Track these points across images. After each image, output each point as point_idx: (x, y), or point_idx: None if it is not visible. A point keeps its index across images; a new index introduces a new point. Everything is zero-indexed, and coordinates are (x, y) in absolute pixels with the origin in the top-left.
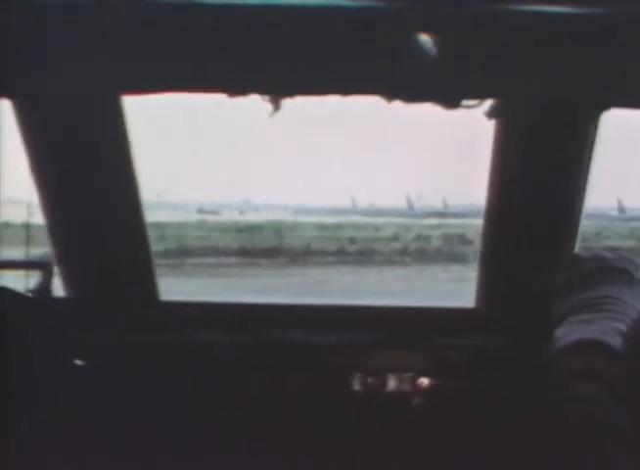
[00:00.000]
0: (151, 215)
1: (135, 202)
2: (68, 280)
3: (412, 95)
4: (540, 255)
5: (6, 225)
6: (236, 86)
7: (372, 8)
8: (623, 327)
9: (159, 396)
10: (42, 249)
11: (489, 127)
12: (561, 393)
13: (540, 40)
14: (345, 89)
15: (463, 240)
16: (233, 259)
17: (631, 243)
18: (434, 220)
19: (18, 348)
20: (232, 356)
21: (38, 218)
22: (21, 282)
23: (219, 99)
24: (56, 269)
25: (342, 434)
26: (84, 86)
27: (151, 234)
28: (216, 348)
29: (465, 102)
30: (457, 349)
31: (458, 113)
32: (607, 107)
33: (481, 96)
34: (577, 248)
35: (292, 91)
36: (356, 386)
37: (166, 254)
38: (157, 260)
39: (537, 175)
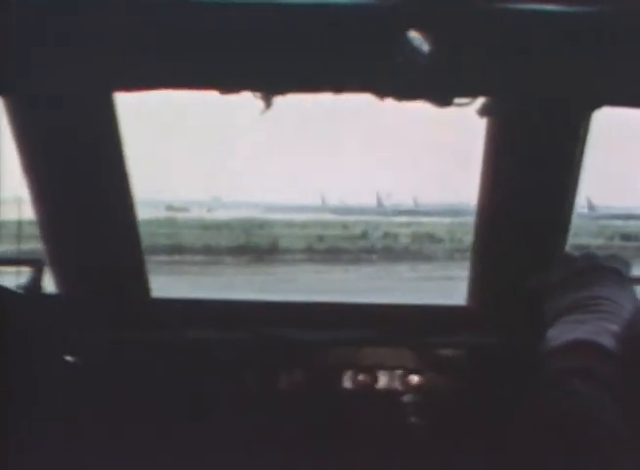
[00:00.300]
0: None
1: (127, 199)
2: (58, 277)
3: (405, 93)
4: (532, 253)
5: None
6: (228, 83)
7: (365, 5)
8: (616, 328)
9: (150, 393)
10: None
11: (465, 127)
12: (556, 390)
13: (533, 38)
14: (339, 86)
15: (432, 238)
16: (197, 257)
17: (600, 241)
18: (404, 218)
19: (7, 344)
20: (224, 354)
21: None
22: (11, 279)
23: (190, 96)
24: (46, 266)
25: (332, 431)
26: (76, 84)
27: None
28: (209, 345)
29: (457, 100)
30: (449, 346)
31: (431, 112)
32: (598, 105)
33: (474, 94)
34: (568, 246)
35: (284, 89)
36: (347, 383)
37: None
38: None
39: (529, 173)
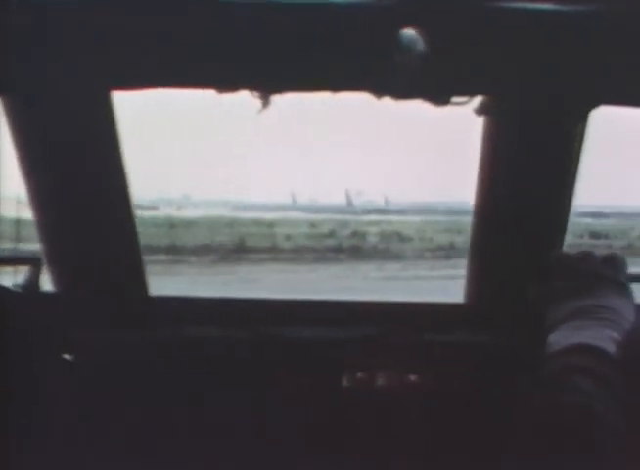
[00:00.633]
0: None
1: (125, 197)
2: (56, 276)
3: (402, 91)
4: (529, 252)
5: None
6: (226, 82)
7: (362, 4)
8: (618, 336)
9: (149, 392)
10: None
11: (440, 125)
12: (557, 386)
13: (530, 37)
14: (336, 85)
15: (401, 237)
16: (161, 257)
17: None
18: (374, 217)
19: (5, 343)
20: (223, 352)
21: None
22: (8, 278)
23: (162, 94)
24: (44, 265)
25: (331, 430)
26: (75, 83)
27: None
28: (208, 343)
29: (454, 98)
30: (447, 344)
31: (404, 108)
32: (596, 104)
33: (471, 93)
34: (566, 245)
35: (282, 88)
36: (346, 381)
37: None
38: None
39: (526, 172)
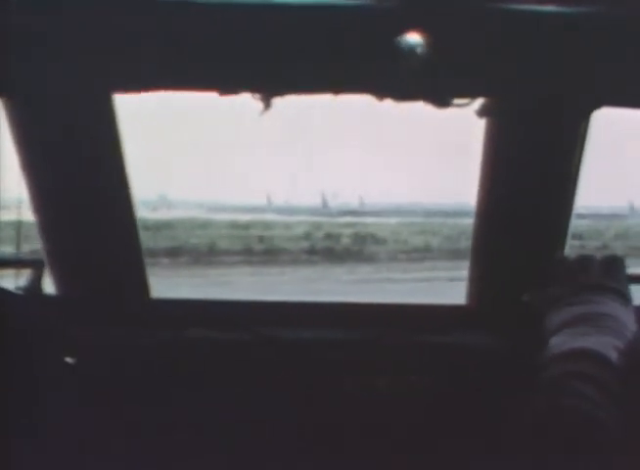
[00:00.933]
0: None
1: (127, 199)
2: (58, 278)
3: (403, 94)
4: (530, 253)
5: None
6: (228, 84)
7: (363, 6)
8: (620, 345)
9: (150, 393)
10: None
11: (416, 126)
12: (556, 390)
13: (531, 39)
14: (337, 87)
15: (375, 239)
16: None
17: None
18: (349, 219)
19: (7, 346)
20: (222, 353)
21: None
22: (10, 280)
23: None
24: (46, 267)
25: (331, 432)
26: (75, 84)
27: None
28: (207, 345)
29: (456, 100)
30: (447, 346)
31: (382, 109)
32: (598, 105)
33: (473, 94)
34: (568, 247)
35: (284, 89)
36: (345, 383)
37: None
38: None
39: (528, 174)
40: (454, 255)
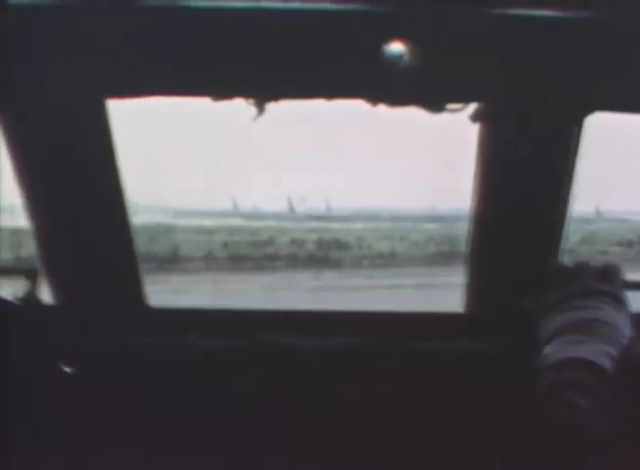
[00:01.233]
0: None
1: (121, 207)
2: (54, 286)
3: (396, 99)
4: (527, 259)
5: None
6: (221, 90)
7: (356, 11)
8: (613, 352)
9: (148, 401)
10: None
11: (391, 131)
12: (549, 401)
13: (525, 44)
14: (330, 93)
15: (340, 245)
16: None
17: None
18: (314, 224)
19: (4, 355)
20: (221, 361)
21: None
22: (7, 289)
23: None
24: (42, 276)
25: (330, 439)
26: (69, 90)
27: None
28: (206, 352)
29: (449, 105)
30: (445, 353)
31: (352, 114)
32: (591, 110)
33: (466, 99)
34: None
35: (277, 95)
36: (342, 390)
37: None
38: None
39: (522, 179)
40: (422, 261)
